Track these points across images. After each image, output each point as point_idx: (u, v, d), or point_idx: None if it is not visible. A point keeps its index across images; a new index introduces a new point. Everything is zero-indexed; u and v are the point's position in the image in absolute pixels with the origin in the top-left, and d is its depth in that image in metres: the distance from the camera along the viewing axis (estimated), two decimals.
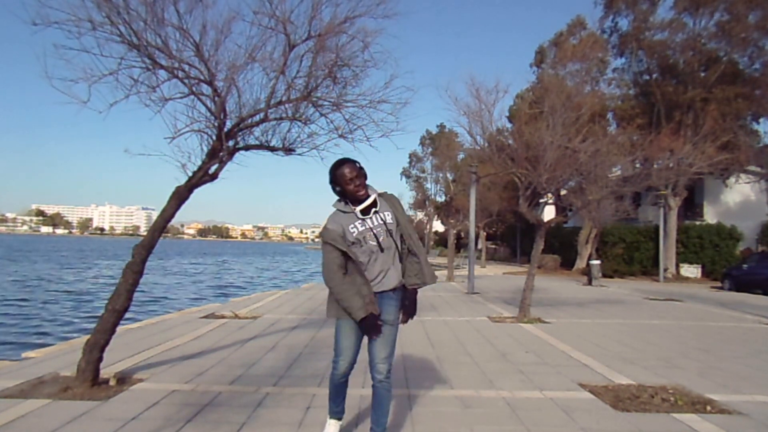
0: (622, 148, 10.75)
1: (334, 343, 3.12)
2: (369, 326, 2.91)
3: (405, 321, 3.08)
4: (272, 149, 5.05)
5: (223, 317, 8.61)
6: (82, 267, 33.89)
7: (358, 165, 2.97)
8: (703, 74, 24.37)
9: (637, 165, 13.95)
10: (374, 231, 2.96)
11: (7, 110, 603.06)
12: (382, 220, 3.00)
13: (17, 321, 12.14)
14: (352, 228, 2.95)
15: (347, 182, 2.92)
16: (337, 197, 3.04)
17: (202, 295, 18.97)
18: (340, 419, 3.26)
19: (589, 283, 19.52)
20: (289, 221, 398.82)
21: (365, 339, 3.06)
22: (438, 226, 57.93)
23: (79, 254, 53.71)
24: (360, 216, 2.96)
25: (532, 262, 9.79)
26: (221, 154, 4.78)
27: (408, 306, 3.05)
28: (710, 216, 27.52)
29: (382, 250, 2.97)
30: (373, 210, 2.98)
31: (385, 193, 3.14)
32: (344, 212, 2.99)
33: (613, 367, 5.61)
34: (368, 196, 2.97)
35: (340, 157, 3.10)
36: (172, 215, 4.81)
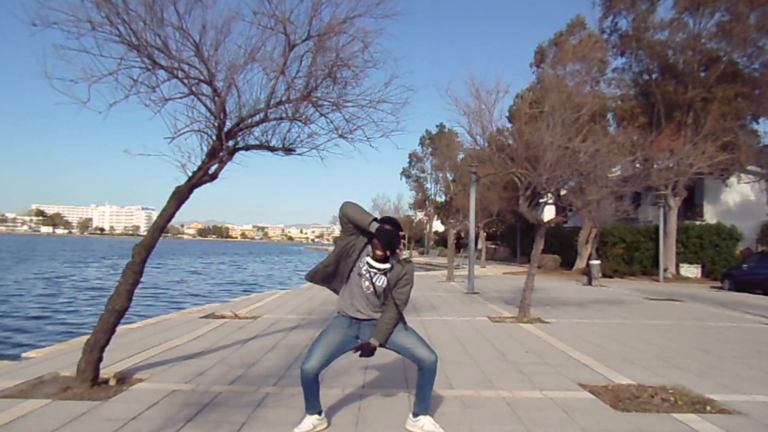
0: (622, 148, 10.71)
1: (314, 340, 3.41)
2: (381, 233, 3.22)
3: (357, 352, 3.39)
4: (272, 149, 5.05)
5: (223, 317, 8.61)
6: (99, 264, 34.52)
7: (401, 240, 3.34)
8: (703, 74, 24.35)
9: (637, 165, 13.92)
10: (367, 283, 3.36)
11: (7, 110, 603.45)
12: (378, 282, 3.36)
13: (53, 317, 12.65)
14: (362, 262, 3.36)
15: (384, 238, 3.22)
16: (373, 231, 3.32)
17: (231, 291, 19.74)
18: (319, 414, 3.50)
19: (589, 283, 19.51)
20: (289, 221, 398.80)
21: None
22: (438, 226, 57.92)
23: (90, 253, 54.27)
24: (369, 263, 3.34)
25: (532, 262, 9.78)
26: (221, 154, 4.78)
27: (362, 348, 3.37)
28: (710, 216, 27.52)
29: (370, 295, 3.38)
30: (380, 269, 3.34)
31: (406, 261, 3.45)
32: (366, 248, 3.38)
33: (613, 367, 5.61)
34: (385, 261, 3.33)
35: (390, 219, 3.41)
36: (172, 215, 4.81)
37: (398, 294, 3.39)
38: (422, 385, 3.46)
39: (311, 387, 3.37)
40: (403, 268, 3.40)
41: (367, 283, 3.35)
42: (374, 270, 3.34)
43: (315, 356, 3.31)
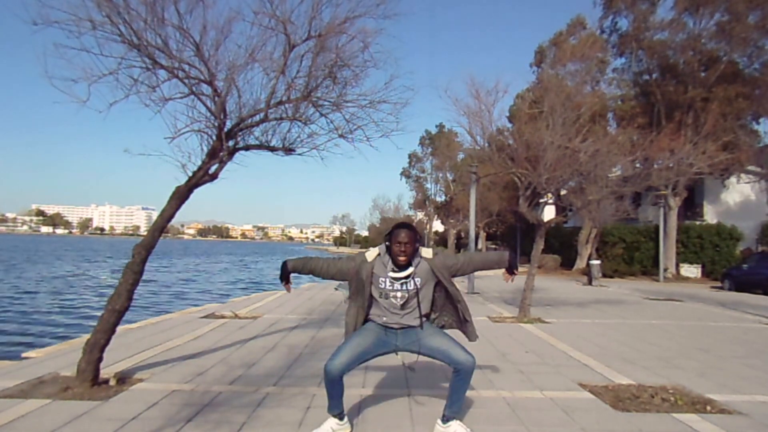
0: (622, 148, 10.71)
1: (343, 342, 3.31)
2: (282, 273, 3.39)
3: (509, 277, 3.67)
4: (272, 149, 5.06)
5: (223, 317, 8.62)
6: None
7: (416, 235, 3.23)
8: (703, 74, 24.34)
9: (637, 165, 13.93)
10: (399, 294, 3.24)
11: (8, 110, 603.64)
12: (410, 286, 3.24)
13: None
14: (382, 281, 3.24)
15: (396, 243, 3.18)
16: (385, 244, 3.27)
17: (251, 291, 20.13)
18: (340, 417, 3.35)
19: (589, 283, 19.52)
20: (289, 221, 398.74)
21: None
22: (438, 226, 57.92)
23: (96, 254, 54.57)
24: (391, 277, 3.22)
25: (532, 262, 9.78)
26: (221, 154, 4.78)
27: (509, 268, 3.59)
28: (710, 216, 27.51)
29: (399, 307, 3.26)
30: (406, 276, 3.22)
31: (432, 254, 3.32)
32: (384, 264, 3.26)
33: (613, 367, 5.61)
34: (408, 265, 3.21)
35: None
36: (172, 215, 4.81)
37: (457, 264, 3.37)
38: (457, 388, 3.26)
39: (334, 387, 3.21)
40: (433, 258, 3.29)
41: (399, 295, 3.23)
42: (401, 280, 3.21)
43: (340, 355, 3.16)
